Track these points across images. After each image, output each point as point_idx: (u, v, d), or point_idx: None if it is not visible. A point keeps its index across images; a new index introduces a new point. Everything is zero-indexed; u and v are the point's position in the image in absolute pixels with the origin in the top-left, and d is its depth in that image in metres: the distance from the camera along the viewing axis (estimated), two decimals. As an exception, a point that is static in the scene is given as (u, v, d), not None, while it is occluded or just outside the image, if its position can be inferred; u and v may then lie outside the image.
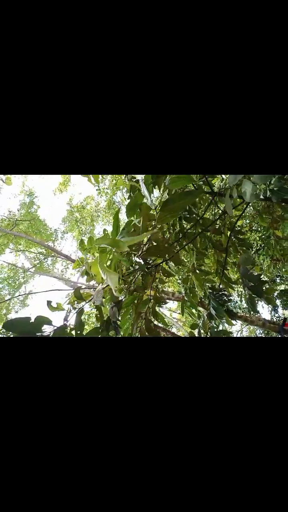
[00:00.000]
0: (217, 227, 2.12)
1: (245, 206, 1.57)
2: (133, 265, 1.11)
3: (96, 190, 10.95)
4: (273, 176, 0.76)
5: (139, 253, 1.12)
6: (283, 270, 6.33)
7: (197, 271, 1.95)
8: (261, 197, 0.85)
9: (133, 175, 0.85)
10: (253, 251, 5.26)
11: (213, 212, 2.13)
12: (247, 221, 5.55)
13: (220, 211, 1.94)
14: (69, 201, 11.67)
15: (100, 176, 1.43)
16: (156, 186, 1.02)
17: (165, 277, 1.80)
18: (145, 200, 0.81)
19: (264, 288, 1.54)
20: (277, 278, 7.60)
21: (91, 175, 1.52)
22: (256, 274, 1.54)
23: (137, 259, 1.10)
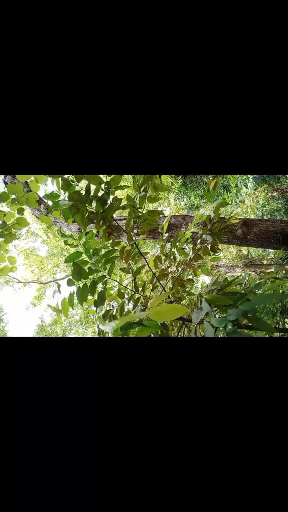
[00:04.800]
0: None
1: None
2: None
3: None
4: (227, 322, 0.83)
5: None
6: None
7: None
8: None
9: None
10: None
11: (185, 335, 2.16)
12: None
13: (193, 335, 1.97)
14: (41, 316, 11.27)
15: (70, 309, 1.47)
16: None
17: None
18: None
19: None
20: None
21: (60, 310, 1.57)
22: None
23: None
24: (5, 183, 3.62)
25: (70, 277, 1.51)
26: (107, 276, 1.73)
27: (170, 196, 7.21)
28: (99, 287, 1.78)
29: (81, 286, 1.66)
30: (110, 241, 1.62)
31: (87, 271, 1.62)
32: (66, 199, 1.29)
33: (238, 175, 5.28)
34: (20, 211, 1.81)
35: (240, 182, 5.28)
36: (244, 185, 5.29)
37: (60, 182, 1.21)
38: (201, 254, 1.88)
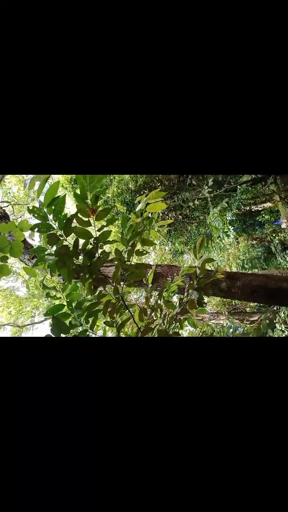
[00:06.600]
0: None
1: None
2: None
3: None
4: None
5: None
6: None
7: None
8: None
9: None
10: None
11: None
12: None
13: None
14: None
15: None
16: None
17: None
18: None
19: None
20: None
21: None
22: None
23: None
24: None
25: (49, 333, 1.41)
26: (89, 331, 1.63)
27: (155, 240, 7.43)
28: (80, 342, 1.66)
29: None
30: (95, 294, 1.56)
31: (68, 325, 1.53)
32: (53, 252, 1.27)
33: (220, 226, 5.60)
34: (4, 259, 1.75)
35: (221, 233, 5.59)
36: (226, 235, 5.60)
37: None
38: (188, 308, 1.86)
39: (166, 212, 6.43)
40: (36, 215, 0.98)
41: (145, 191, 6.18)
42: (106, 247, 1.47)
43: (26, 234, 1.46)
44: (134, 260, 1.74)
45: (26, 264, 3.73)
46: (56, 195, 0.95)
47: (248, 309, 8.00)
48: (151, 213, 1.59)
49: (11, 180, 9.42)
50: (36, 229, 1.04)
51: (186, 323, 2.32)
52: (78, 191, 1.10)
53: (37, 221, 1.11)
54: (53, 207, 0.98)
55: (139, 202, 1.47)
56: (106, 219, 1.31)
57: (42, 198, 1.06)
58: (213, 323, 7.87)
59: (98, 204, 1.21)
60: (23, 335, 10.18)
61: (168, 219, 6.34)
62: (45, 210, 0.98)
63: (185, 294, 1.83)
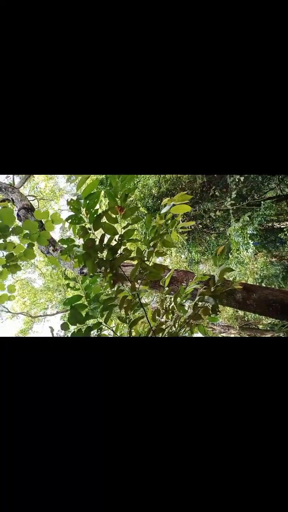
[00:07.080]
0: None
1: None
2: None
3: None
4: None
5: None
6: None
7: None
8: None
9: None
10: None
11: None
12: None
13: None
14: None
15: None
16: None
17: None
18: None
19: None
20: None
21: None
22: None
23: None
24: (18, 216, 3.78)
25: (66, 321, 1.48)
26: (103, 324, 1.69)
27: (172, 248, 7.45)
28: (93, 333, 1.73)
29: (75, 331, 1.61)
30: (113, 289, 1.63)
31: (84, 316, 1.59)
32: (80, 244, 1.35)
33: (240, 240, 5.54)
34: (30, 245, 1.86)
35: (241, 246, 5.52)
36: (245, 249, 5.52)
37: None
38: (201, 314, 1.87)
39: (186, 220, 6.46)
40: (71, 207, 1.06)
41: (168, 198, 6.24)
42: (129, 245, 1.54)
43: (56, 226, 1.55)
44: (152, 261, 1.79)
45: (45, 255, 3.87)
46: (92, 192, 1.03)
47: (260, 326, 7.78)
48: (174, 216, 1.64)
49: (39, 176, 9.84)
50: (69, 221, 1.12)
51: (197, 329, 2.33)
52: (107, 190, 1.17)
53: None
54: (87, 201, 1.06)
55: (165, 205, 1.52)
56: (131, 217, 1.37)
57: (69, 194, 1.14)
58: (223, 336, 7.72)
59: (126, 203, 1.28)
60: (35, 325, 10.46)
61: (188, 226, 6.36)
62: (82, 202, 1.06)
63: (197, 298, 1.85)
